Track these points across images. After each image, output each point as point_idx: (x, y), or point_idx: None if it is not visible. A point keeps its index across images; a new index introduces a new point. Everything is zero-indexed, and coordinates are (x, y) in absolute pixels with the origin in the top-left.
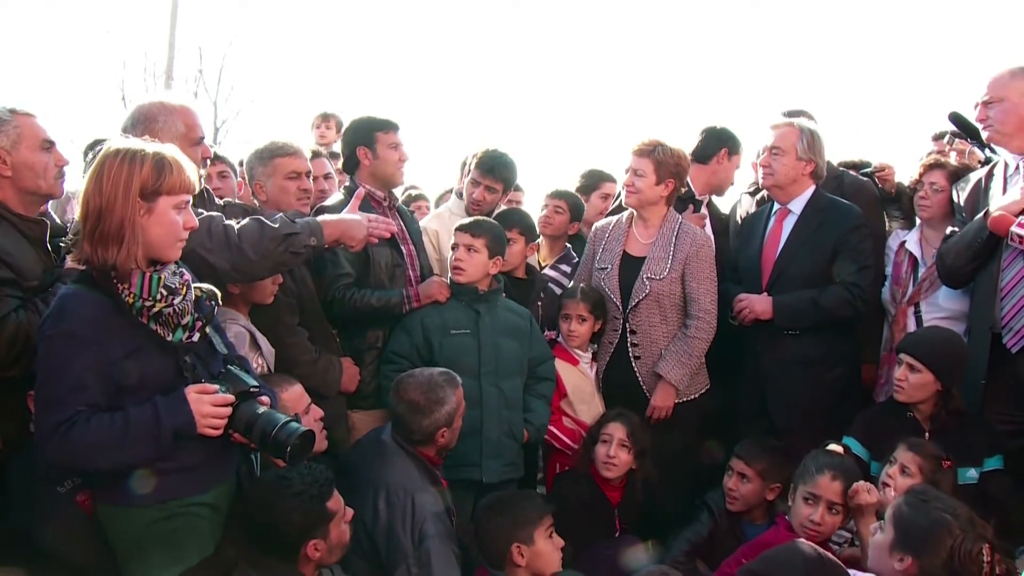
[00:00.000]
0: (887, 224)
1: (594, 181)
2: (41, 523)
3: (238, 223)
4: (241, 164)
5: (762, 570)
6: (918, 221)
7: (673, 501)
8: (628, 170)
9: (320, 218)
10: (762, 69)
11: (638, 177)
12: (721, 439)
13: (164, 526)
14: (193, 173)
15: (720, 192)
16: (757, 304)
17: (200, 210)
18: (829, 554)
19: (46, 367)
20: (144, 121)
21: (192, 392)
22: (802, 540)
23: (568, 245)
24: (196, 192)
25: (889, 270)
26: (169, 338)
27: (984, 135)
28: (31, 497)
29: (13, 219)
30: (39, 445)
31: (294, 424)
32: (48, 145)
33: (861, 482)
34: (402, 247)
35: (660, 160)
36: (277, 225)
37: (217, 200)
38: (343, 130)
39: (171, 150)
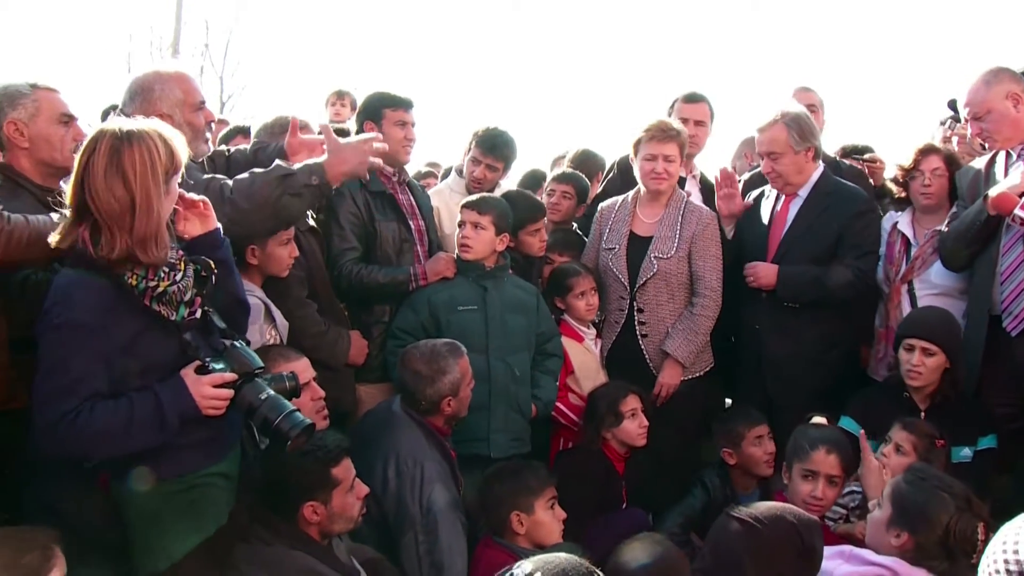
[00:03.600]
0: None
1: (593, 169)
2: (66, 498)
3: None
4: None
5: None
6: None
7: (676, 477)
8: (653, 157)
9: (320, 157)
10: (760, 59)
11: (669, 163)
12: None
13: (182, 498)
14: (183, 147)
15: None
16: (762, 272)
17: (203, 174)
18: (799, 510)
19: (53, 357)
20: (141, 93)
21: (189, 376)
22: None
23: (575, 225)
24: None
25: (883, 250)
26: (172, 317)
27: (986, 146)
28: (56, 471)
29: (32, 189)
30: (40, 436)
31: (298, 415)
32: (67, 119)
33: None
34: (410, 222)
35: (682, 143)
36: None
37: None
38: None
39: (158, 124)
